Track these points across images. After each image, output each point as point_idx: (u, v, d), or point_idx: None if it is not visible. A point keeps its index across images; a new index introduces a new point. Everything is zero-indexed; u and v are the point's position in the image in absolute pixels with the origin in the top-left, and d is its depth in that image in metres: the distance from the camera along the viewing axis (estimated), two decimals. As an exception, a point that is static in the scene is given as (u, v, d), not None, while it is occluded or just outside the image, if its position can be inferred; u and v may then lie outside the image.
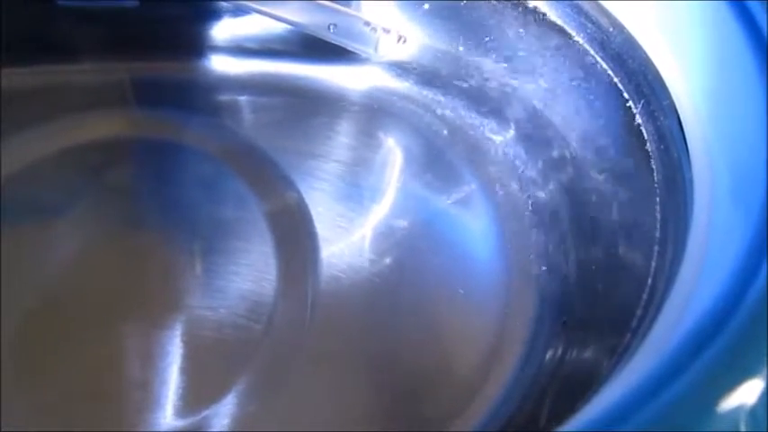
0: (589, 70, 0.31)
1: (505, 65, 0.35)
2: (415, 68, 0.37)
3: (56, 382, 0.28)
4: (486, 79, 0.36)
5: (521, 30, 0.34)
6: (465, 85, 0.36)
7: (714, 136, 0.24)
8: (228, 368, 0.29)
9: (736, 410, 0.17)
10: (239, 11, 0.37)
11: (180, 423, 0.27)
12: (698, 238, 0.22)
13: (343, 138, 0.36)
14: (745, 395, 0.17)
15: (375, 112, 0.37)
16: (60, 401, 0.27)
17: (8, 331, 0.29)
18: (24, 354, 0.28)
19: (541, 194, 0.34)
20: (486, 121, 0.36)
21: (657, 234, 0.26)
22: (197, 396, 0.28)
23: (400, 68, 0.37)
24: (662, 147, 0.27)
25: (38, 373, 0.28)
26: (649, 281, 0.25)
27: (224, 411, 0.27)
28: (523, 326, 0.30)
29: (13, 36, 0.36)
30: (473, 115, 0.37)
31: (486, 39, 0.35)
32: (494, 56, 0.35)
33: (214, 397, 0.28)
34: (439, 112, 0.37)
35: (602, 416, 0.17)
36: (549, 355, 0.29)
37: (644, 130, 0.28)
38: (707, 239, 0.21)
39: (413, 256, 0.33)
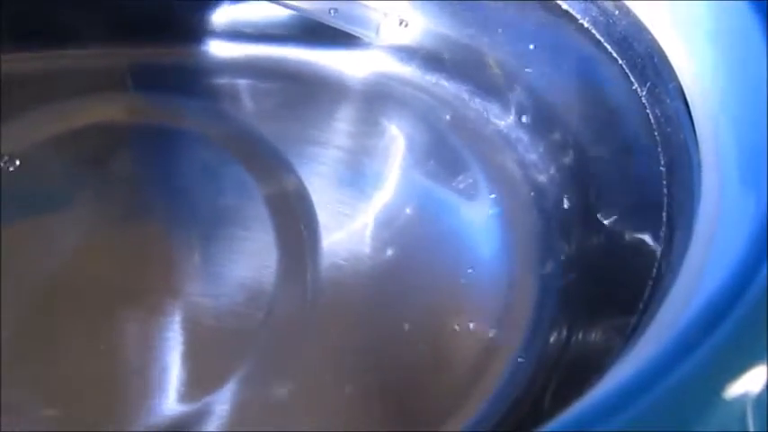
0: (593, 53, 0.31)
1: (508, 48, 0.34)
2: (417, 53, 0.37)
3: (56, 369, 0.28)
4: (489, 63, 0.35)
5: (524, 13, 0.33)
6: (467, 69, 0.36)
7: (722, 118, 0.24)
8: (228, 355, 0.28)
9: (743, 396, 0.17)
10: (242, -4, 0.37)
11: (180, 410, 0.27)
12: (706, 220, 0.21)
13: (344, 124, 0.36)
14: (752, 381, 0.17)
15: (377, 98, 0.37)
16: (61, 388, 0.27)
17: (8, 319, 0.28)
18: (25, 341, 0.28)
19: (544, 179, 0.34)
20: (488, 106, 0.36)
21: (664, 216, 0.26)
22: (197, 383, 0.28)
23: (403, 53, 0.37)
24: (668, 129, 0.27)
25: (38, 360, 0.28)
26: (656, 264, 0.24)
27: (223, 398, 0.27)
28: (526, 310, 0.30)
29: (11, 21, 0.36)
30: (476, 100, 0.36)
31: (489, 22, 0.35)
32: (496, 39, 0.35)
33: (214, 384, 0.28)
34: (441, 97, 0.37)
35: (606, 400, 0.17)
36: (552, 338, 0.29)
37: (650, 113, 0.28)
38: (715, 221, 0.21)
39: (415, 243, 0.32)
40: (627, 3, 0.29)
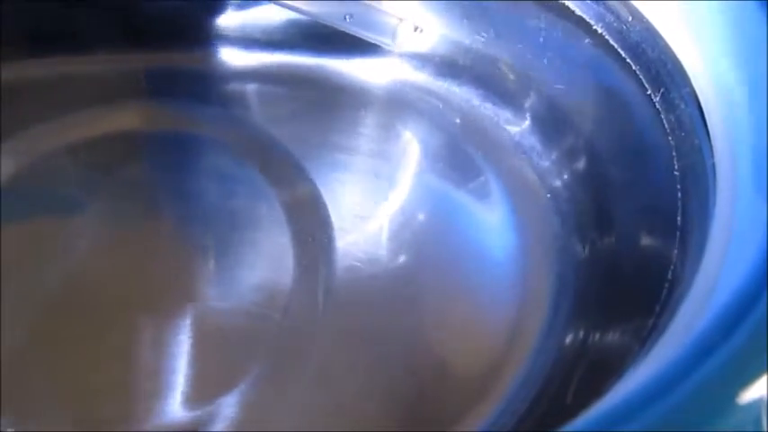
0: (607, 59, 0.31)
1: (522, 55, 0.35)
2: (432, 59, 0.37)
3: (69, 372, 0.28)
4: (502, 69, 0.35)
5: (537, 19, 0.33)
6: (481, 75, 0.36)
7: (736, 123, 0.24)
8: (243, 358, 0.28)
9: (759, 400, 0.17)
10: (255, 2, 0.37)
11: (193, 412, 0.27)
12: (722, 223, 0.21)
13: (359, 129, 0.36)
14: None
15: (392, 104, 0.37)
16: (73, 391, 0.27)
17: (22, 322, 0.29)
18: (38, 345, 0.28)
19: (558, 184, 0.33)
20: (501, 112, 0.36)
21: (679, 221, 0.26)
22: (210, 385, 0.28)
23: (417, 59, 0.37)
24: (682, 134, 0.27)
25: (51, 363, 0.28)
26: (671, 267, 0.24)
27: (236, 401, 0.27)
28: (541, 313, 0.30)
29: (24, 27, 0.36)
30: (488, 106, 0.36)
31: (503, 29, 0.35)
32: (510, 46, 0.35)
33: (227, 386, 0.28)
34: (455, 102, 0.37)
35: (623, 404, 0.17)
36: (568, 341, 0.29)
37: (663, 119, 0.28)
38: (731, 225, 0.21)
39: (430, 246, 0.32)
40: (641, 9, 0.29)
